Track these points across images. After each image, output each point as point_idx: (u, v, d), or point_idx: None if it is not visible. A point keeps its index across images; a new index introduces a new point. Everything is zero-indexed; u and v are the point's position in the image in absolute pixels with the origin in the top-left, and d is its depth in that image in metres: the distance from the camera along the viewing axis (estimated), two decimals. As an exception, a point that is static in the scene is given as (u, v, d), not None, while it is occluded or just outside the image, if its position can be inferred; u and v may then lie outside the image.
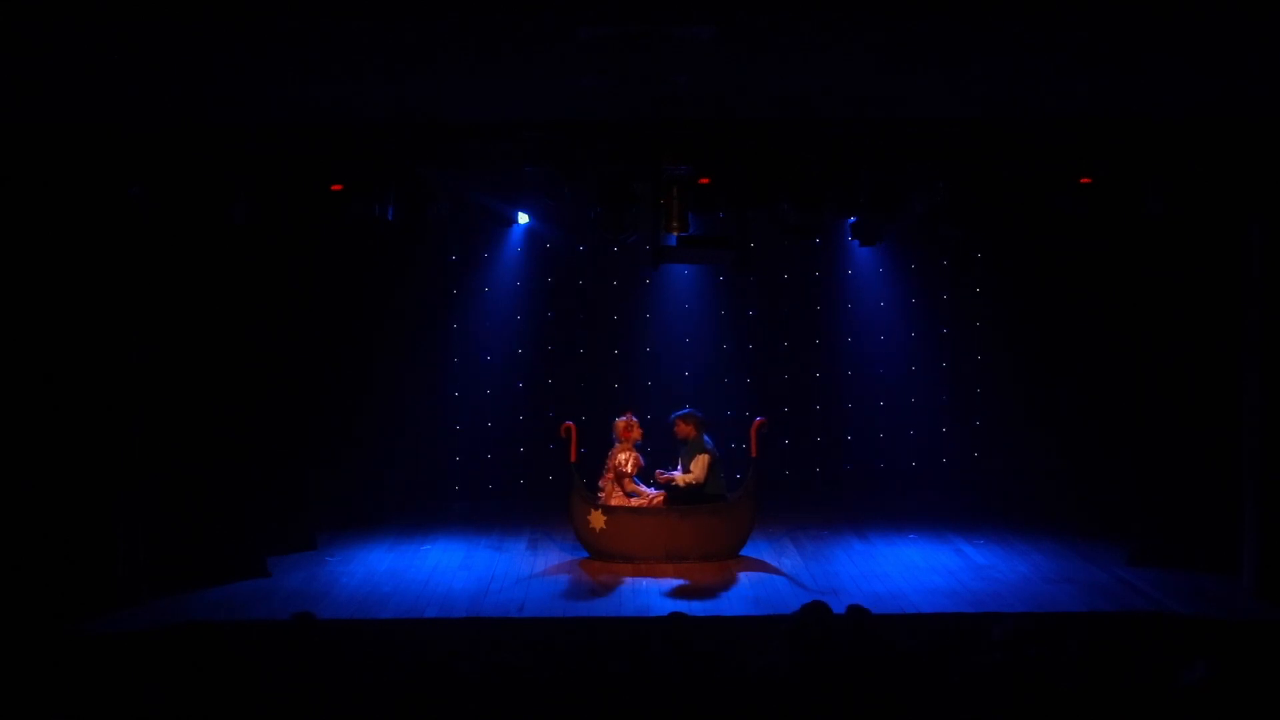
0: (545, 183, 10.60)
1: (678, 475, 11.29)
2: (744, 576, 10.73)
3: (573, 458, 11.41)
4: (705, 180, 9.97)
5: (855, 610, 7.66)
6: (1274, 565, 9.98)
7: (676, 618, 7.86)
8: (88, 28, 6.74)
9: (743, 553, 11.35)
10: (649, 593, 10.25)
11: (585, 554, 11.35)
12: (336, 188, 9.99)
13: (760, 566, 11.07)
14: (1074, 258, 12.23)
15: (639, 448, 11.47)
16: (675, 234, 9.99)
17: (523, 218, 13.44)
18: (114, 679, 7.16)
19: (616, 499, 11.27)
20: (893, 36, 7.19)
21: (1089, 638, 7.48)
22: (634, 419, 11.48)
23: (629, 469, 11.34)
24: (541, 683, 6.55)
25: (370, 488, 13.24)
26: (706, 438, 11.38)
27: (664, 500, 11.25)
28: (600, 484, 11.39)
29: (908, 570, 10.89)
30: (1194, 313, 10.71)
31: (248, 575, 10.57)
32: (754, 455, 11.39)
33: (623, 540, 11.12)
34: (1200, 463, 10.73)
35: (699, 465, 11.20)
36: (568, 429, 11.46)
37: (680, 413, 11.54)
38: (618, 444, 11.41)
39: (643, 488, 11.41)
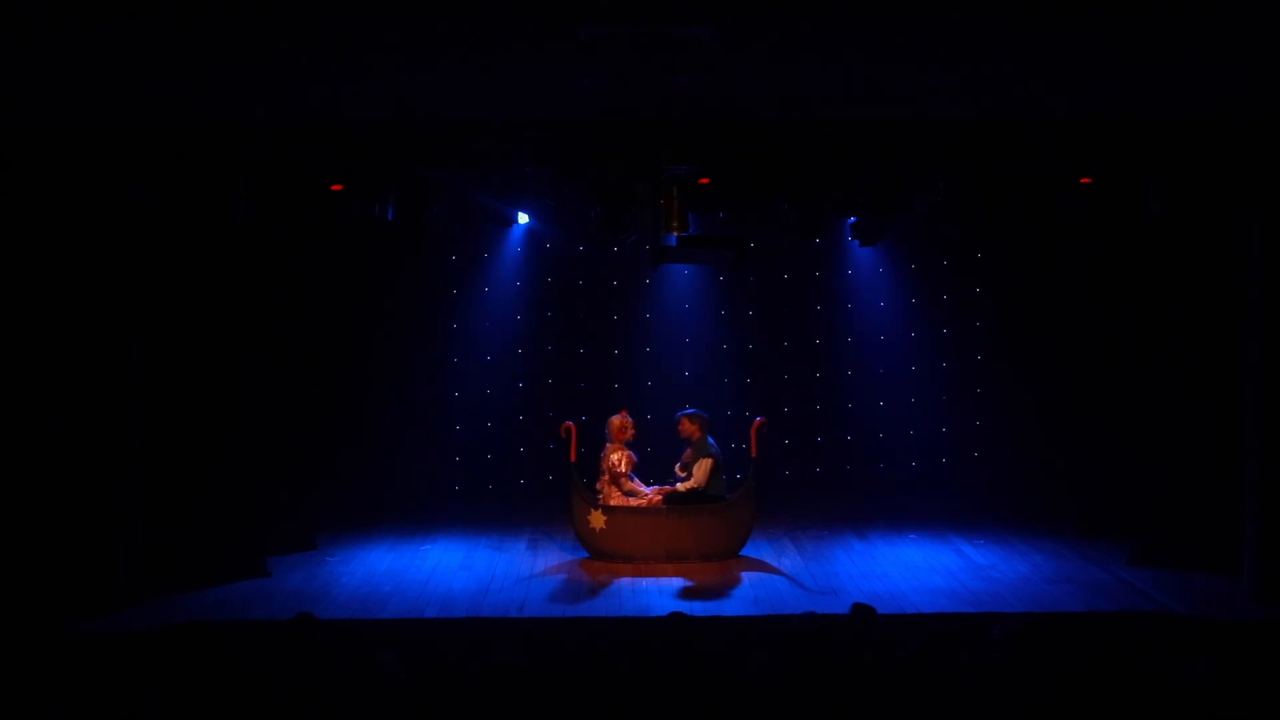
0: (545, 183, 10.60)
1: (679, 486, 11.26)
2: (744, 576, 10.73)
3: (573, 458, 11.40)
4: (705, 180, 9.97)
5: (861, 609, 7.68)
6: (1274, 565, 9.98)
7: (676, 618, 7.88)
8: (87, 29, 6.74)
9: (743, 553, 11.35)
10: (649, 593, 10.25)
11: (585, 554, 11.34)
12: (336, 188, 9.99)
13: (760, 566, 11.07)
14: (1074, 258, 12.22)
15: (632, 444, 11.43)
16: (675, 234, 9.99)
17: (523, 218, 13.44)
18: (115, 678, 7.16)
19: (615, 499, 11.25)
20: (893, 37, 7.19)
21: (1089, 638, 7.49)
22: (629, 417, 11.45)
23: (623, 468, 11.31)
24: (541, 683, 6.55)
25: (370, 488, 13.26)
26: (710, 439, 11.36)
27: (663, 500, 11.24)
28: (597, 485, 11.37)
29: (908, 570, 10.89)
30: (1194, 313, 10.71)
31: (248, 575, 10.58)
32: (754, 455, 11.39)
33: (623, 540, 11.12)
34: (1200, 463, 10.73)
35: (701, 470, 11.18)
36: (567, 429, 11.44)
37: (686, 411, 11.52)
38: (610, 443, 11.39)
39: (640, 486, 11.39)
